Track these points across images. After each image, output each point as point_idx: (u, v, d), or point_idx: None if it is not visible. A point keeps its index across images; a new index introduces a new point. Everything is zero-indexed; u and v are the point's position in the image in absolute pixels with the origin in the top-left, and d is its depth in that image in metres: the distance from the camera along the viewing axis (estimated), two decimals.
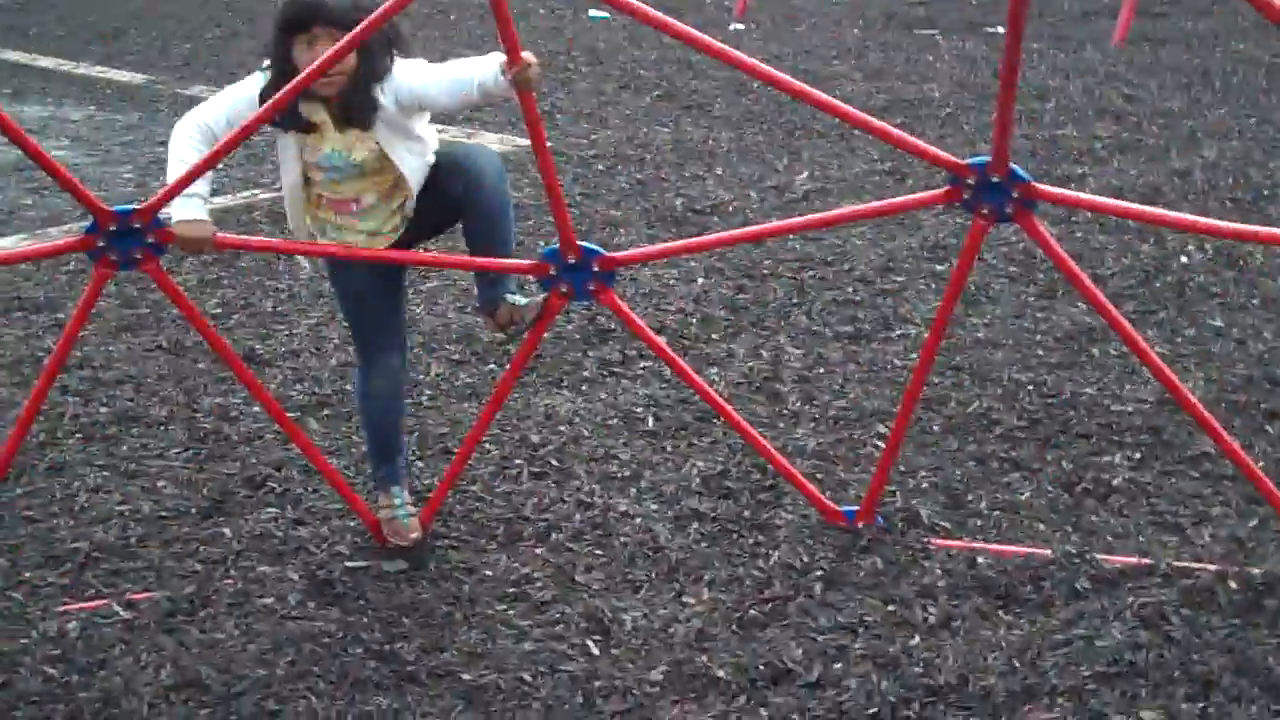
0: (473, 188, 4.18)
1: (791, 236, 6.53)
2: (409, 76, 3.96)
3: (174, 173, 3.99)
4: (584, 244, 4.08)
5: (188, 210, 4.01)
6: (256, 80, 4.02)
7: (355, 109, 3.96)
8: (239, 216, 7.17)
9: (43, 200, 8.14)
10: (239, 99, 4.03)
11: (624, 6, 3.57)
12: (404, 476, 4.43)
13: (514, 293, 4.33)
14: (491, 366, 5.44)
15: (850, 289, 5.97)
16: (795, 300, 5.88)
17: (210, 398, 5.30)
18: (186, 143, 4.03)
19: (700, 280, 6.12)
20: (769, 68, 3.71)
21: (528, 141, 8.14)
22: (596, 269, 4.10)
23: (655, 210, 7.15)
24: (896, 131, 3.78)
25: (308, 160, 4.10)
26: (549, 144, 3.90)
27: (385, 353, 4.32)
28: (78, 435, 5.05)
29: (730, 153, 8.16)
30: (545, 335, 4.79)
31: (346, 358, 5.56)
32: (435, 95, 4.01)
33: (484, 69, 3.88)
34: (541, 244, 6.39)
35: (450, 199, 4.19)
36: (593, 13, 13.58)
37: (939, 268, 6.14)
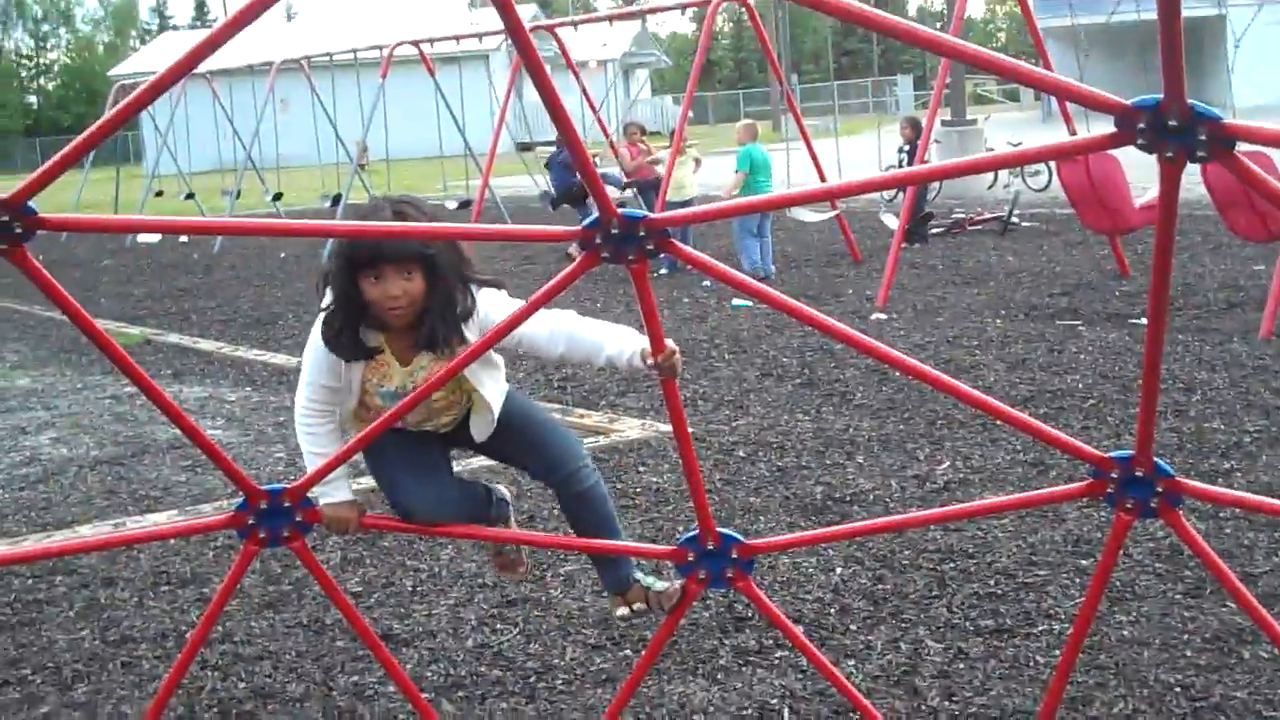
0: (572, 483, 4.27)
1: (932, 527, 6.47)
2: (499, 311, 3.98)
3: (311, 461, 4.11)
4: (723, 531, 4.08)
5: (336, 494, 4.14)
6: (316, 329, 4.10)
7: (438, 335, 4.00)
8: (383, 498, 7.25)
9: (195, 477, 8.36)
10: (319, 359, 4.11)
11: (766, 298, 3.64)
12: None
13: (642, 575, 4.35)
14: (627, 652, 5.40)
15: (992, 582, 5.87)
16: (935, 592, 5.79)
17: (347, 676, 5.31)
18: (314, 430, 4.16)
19: (839, 569, 6.06)
20: (910, 358, 3.73)
21: (668, 427, 8.34)
22: (735, 556, 4.09)
23: (795, 498, 7.14)
24: (1038, 423, 3.77)
25: (368, 391, 4.16)
26: (690, 430, 3.93)
27: (409, 482, 4.29)
28: (215, 710, 5.08)
29: (871, 441, 8.16)
30: (681, 622, 4.75)
31: (484, 638, 5.57)
32: (548, 346, 4.05)
33: (622, 344, 3.94)
34: (680, 530, 6.40)
35: (531, 469, 4.29)
36: (736, 301, 13.83)
37: (1083, 562, 6.03)
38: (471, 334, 4.01)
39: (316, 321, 4.10)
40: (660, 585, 4.34)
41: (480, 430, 4.27)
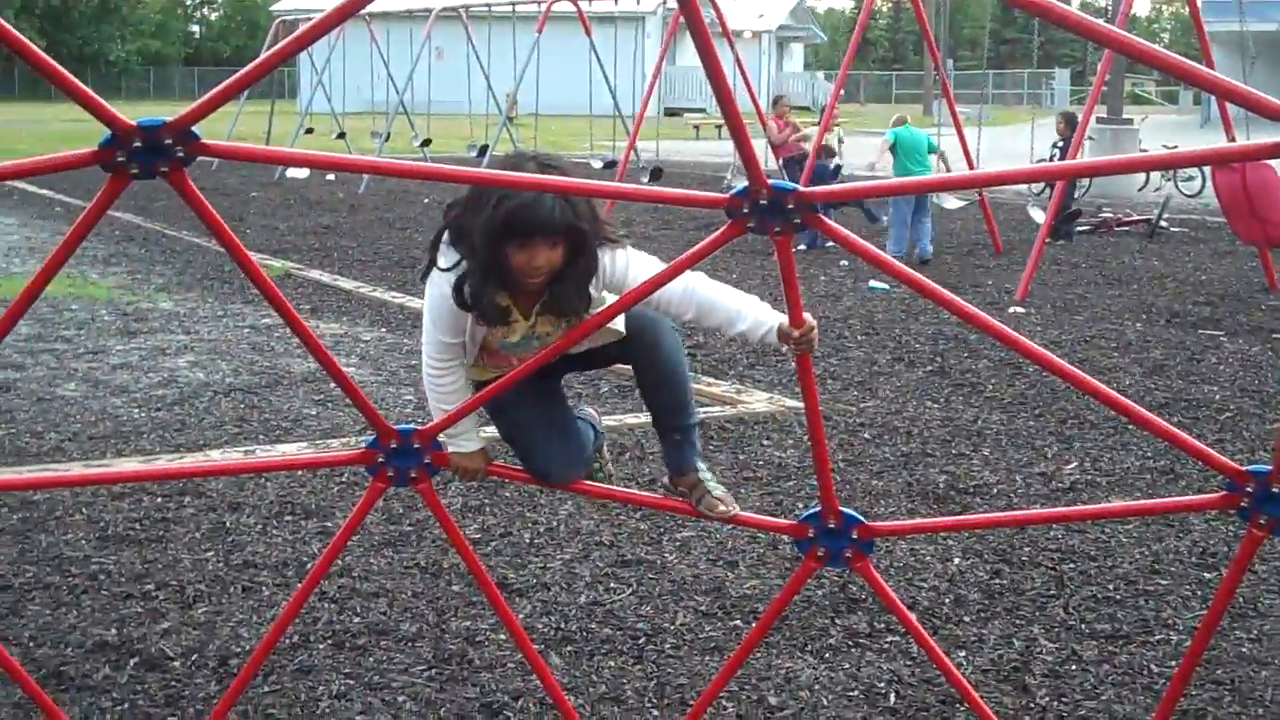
0: (652, 352, 4.23)
1: (1055, 526, 6.39)
2: (642, 272, 3.97)
3: (439, 415, 4.16)
4: (845, 510, 4.07)
5: (465, 443, 4.20)
6: (439, 282, 4.08)
7: (568, 305, 4.01)
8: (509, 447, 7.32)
9: (325, 412, 8.50)
10: (443, 316, 4.13)
11: (906, 279, 3.61)
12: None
13: (704, 467, 4.31)
14: (738, 622, 5.41)
15: (1111, 586, 5.79)
16: (1053, 591, 5.73)
17: (460, 620, 5.38)
18: (442, 386, 4.21)
19: (957, 560, 6.02)
20: (1047, 353, 3.69)
21: (795, 403, 8.34)
22: (855, 537, 4.08)
23: (918, 485, 7.10)
24: (1173, 429, 3.71)
25: (489, 341, 4.18)
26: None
27: (545, 444, 4.33)
28: (329, 641, 5.18)
29: (999, 435, 8.08)
30: (794, 598, 4.75)
31: (596, 596, 5.61)
32: (679, 308, 4.02)
33: (758, 316, 3.91)
34: (800, 506, 6.39)
35: (615, 352, 4.27)
36: (873, 283, 13.74)
37: (1207, 575, 5.93)
38: (596, 292, 4.02)
39: (433, 277, 4.11)
40: (717, 491, 4.28)
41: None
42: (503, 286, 4.03)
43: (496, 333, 4.17)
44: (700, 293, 4.00)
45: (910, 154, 16.35)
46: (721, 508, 4.21)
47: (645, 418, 8.17)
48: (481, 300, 4.03)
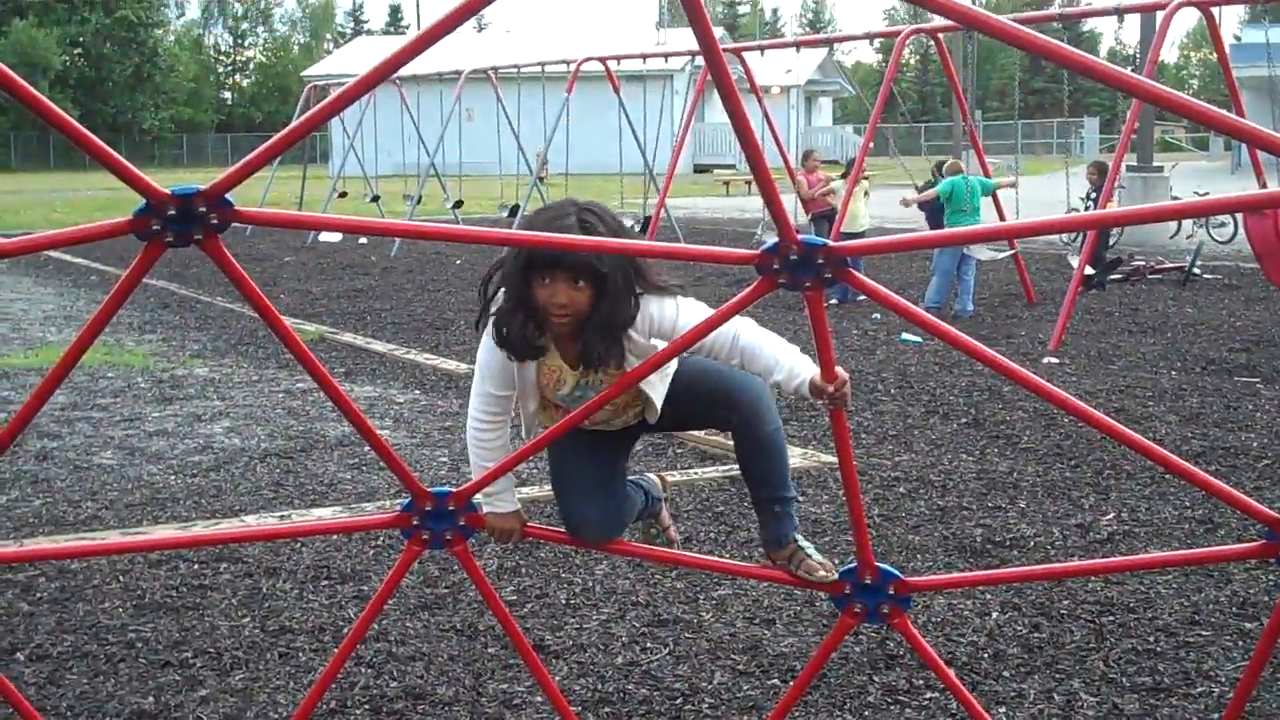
0: (753, 424, 4.26)
1: (1093, 578, 6.35)
2: (693, 320, 3.97)
3: (478, 471, 4.18)
4: (881, 566, 4.06)
5: (500, 503, 4.23)
6: (487, 335, 4.14)
7: (594, 354, 4.03)
8: (544, 508, 7.33)
9: (360, 475, 8.52)
10: (489, 365, 4.18)
11: (939, 332, 3.61)
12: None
13: (800, 537, 4.33)
14: (775, 681, 5.38)
15: (1152, 638, 5.74)
16: (1093, 645, 5.68)
17: (497, 683, 5.37)
18: (484, 441, 4.24)
19: (995, 614, 5.98)
20: (1082, 403, 3.68)
21: (829, 458, 8.31)
22: (892, 592, 4.07)
23: (954, 539, 7.06)
24: (1211, 478, 3.69)
25: (545, 393, 4.21)
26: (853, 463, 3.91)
27: (582, 503, 4.36)
28: (366, 706, 5.17)
29: (1035, 486, 8.03)
30: (832, 655, 4.73)
31: (633, 656, 5.59)
32: (727, 355, 4.06)
33: (794, 367, 3.93)
34: (836, 562, 6.34)
35: (711, 420, 4.30)
36: (905, 336, 13.72)
37: (1248, 625, 5.87)
38: (641, 337, 4.04)
39: (486, 330, 4.15)
40: (815, 555, 4.30)
41: (652, 416, 4.31)
42: (533, 319, 4.05)
43: (549, 384, 4.20)
44: (745, 338, 4.04)
45: (961, 203, 16.07)
46: (821, 573, 4.23)
47: (679, 475, 8.18)
48: (511, 331, 4.05)
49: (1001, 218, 17.59)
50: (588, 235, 3.94)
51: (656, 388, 4.22)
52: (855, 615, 4.12)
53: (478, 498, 4.16)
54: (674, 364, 4.25)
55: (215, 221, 3.28)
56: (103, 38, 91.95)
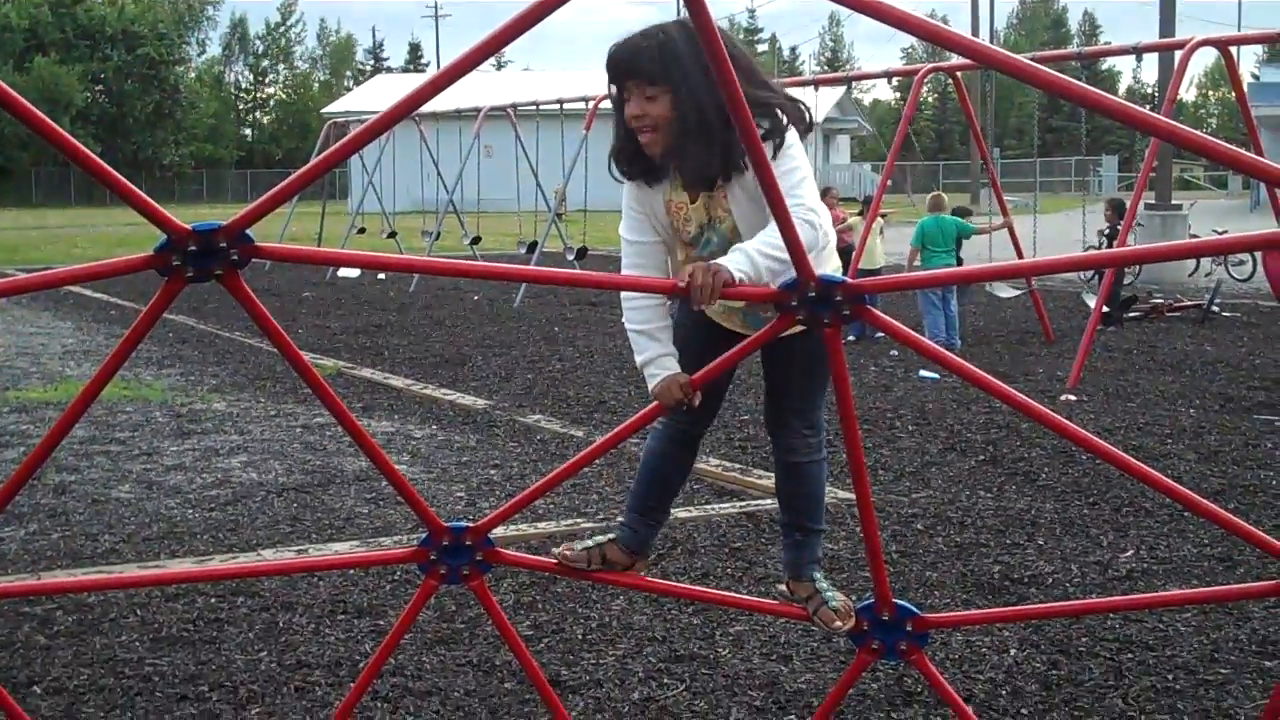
0: (797, 446, 4.26)
1: (1112, 615, 6.32)
2: (788, 177, 3.88)
3: (634, 340, 4.12)
4: (899, 602, 4.05)
5: (658, 370, 4.11)
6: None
7: (695, 165, 4.00)
8: (561, 543, 7.31)
9: (377, 510, 8.52)
10: (625, 201, 4.23)
11: (958, 369, 3.61)
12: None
13: (820, 576, 4.31)
14: (792, 717, 5.36)
15: (1170, 676, 5.71)
16: (1111, 682, 5.64)
17: (512, 719, 5.35)
18: (635, 304, 4.15)
19: (1013, 651, 5.95)
20: (1100, 440, 3.67)
21: (846, 494, 8.29)
22: (910, 629, 4.06)
23: (972, 575, 7.04)
24: (1230, 516, 3.68)
25: (683, 239, 4.20)
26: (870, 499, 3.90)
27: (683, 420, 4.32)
28: None
29: (1054, 523, 8.00)
30: (849, 692, 4.71)
31: (649, 692, 5.57)
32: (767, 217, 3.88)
33: (749, 260, 3.72)
34: (853, 599, 6.33)
35: (774, 396, 4.34)
36: (923, 372, 13.71)
37: (1268, 664, 5.84)
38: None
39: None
40: (835, 603, 4.28)
41: (757, 320, 4.19)
42: (633, 143, 4.04)
43: (679, 224, 4.17)
44: (795, 207, 3.72)
45: (936, 240, 16.38)
46: (837, 622, 4.21)
47: (696, 511, 8.17)
48: (621, 153, 4.08)
49: (1019, 254, 17.58)
50: (663, 51, 3.90)
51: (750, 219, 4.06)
52: (873, 652, 4.12)
53: (642, 364, 4.13)
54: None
55: (236, 257, 3.30)
56: (124, 75, 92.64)
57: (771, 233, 3.74)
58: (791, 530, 4.48)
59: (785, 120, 4.04)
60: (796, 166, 3.98)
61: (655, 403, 4.02)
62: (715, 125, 3.90)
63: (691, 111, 3.91)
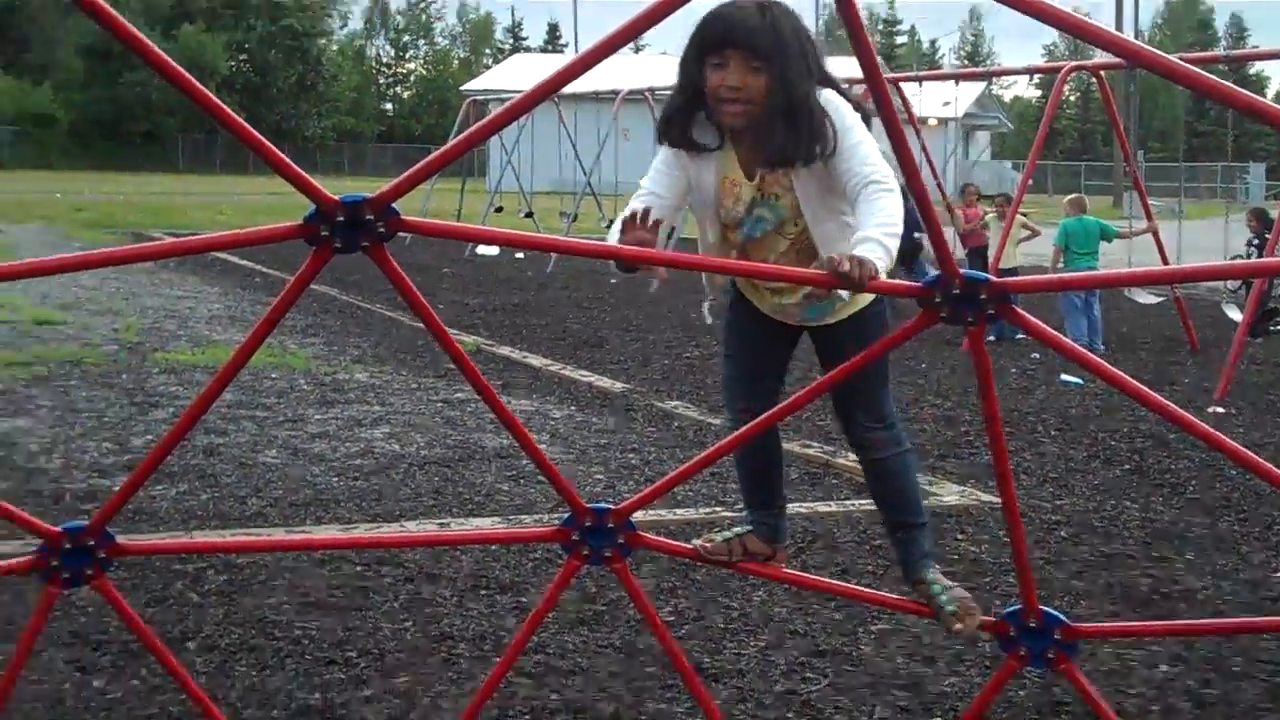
0: (863, 442, 4.23)
1: (1266, 636, 6.18)
2: (861, 155, 3.81)
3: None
4: (1047, 610, 4.00)
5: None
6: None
7: (774, 144, 3.88)
8: (699, 530, 7.34)
9: (518, 488, 8.57)
10: (666, 161, 4.07)
11: (1104, 373, 3.55)
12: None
13: (937, 578, 4.25)
14: (938, 719, 5.31)
15: None
16: (1268, 704, 5.52)
17: (655, 703, 5.36)
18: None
19: (1164, 667, 5.84)
20: (1252, 454, 3.59)
21: (989, 497, 8.20)
22: (1058, 637, 4.01)
23: (1119, 587, 6.92)
24: None
25: (724, 219, 4.10)
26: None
27: (747, 413, 4.23)
28: (527, 717, 5.19)
29: (1203, 539, 7.85)
30: (995, 698, 4.66)
31: (792, 685, 5.55)
32: (852, 184, 3.80)
33: (877, 246, 3.59)
34: (997, 604, 6.27)
35: (840, 394, 4.19)
36: (1065, 376, 13.50)
37: None
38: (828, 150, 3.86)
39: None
40: (951, 606, 4.21)
41: (819, 309, 4.11)
42: (702, 108, 3.93)
43: (727, 201, 4.06)
44: (874, 195, 3.74)
45: (1079, 241, 16.19)
46: (957, 625, 4.15)
47: (836, 506, 8.14)
48: (674, 117, 3.93)
49: (1164, 261, 17.25)
50: (776, 27, 3.82)
51: (823, 223, 3.97)
52: (1020, 659, 4.07)
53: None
54: (850, 217, 3.88)
55: (382, 230, 3.32)
56: (268, 45, 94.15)
57: (882, 215, 3.68)
58: (894, 530, 4.43)
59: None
60: (861, 140, 3.90)
61: (792, 397, 3.94)
62: (803, 110, 3.84)
63: (790, 91, 3.84)
